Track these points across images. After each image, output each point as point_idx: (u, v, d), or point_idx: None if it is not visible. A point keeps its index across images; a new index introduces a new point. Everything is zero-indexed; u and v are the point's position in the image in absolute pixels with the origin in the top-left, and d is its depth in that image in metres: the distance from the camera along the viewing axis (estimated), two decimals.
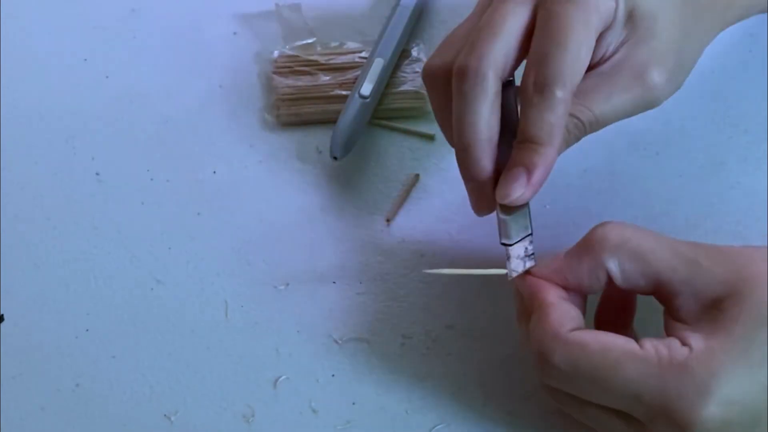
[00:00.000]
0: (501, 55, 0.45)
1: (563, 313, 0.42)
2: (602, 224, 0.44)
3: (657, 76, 0.46)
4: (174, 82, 0.60)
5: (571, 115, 0.46)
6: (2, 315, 0.52)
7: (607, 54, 0.47)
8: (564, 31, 0.44)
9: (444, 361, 0.50)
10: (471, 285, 0.52)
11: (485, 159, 0.46)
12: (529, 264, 0.46)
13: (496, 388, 0.49)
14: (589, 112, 0.46)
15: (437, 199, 0.55)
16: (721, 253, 0.42)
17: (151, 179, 0.56)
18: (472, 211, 0.54)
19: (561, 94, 0.44)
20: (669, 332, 0.42)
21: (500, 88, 0.46)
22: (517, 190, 0.45)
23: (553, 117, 0.44)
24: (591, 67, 0.47)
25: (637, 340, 0.41)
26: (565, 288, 0.44)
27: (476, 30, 0.46)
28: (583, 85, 0.46)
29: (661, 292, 0.43)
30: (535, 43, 0.45)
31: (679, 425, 0.39)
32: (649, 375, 0.40)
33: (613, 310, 0.46)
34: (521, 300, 0.45)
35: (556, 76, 0.44)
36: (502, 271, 0.46)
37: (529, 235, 0.46)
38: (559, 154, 0.46)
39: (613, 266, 0.43)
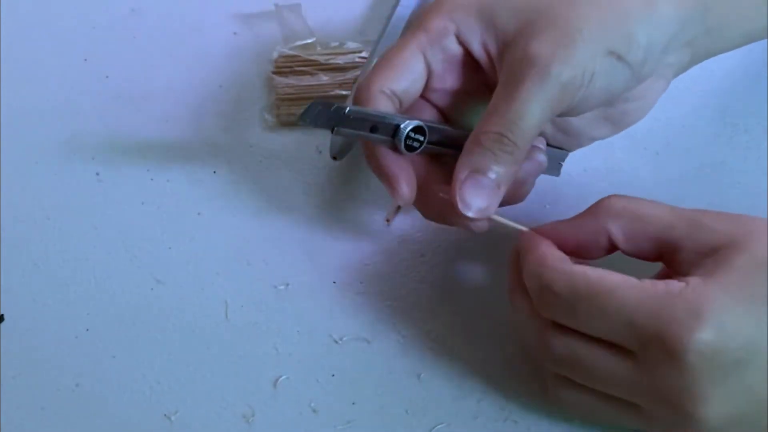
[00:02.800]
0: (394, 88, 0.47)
1: (562, 255, 0.44)
2: (607, 196, 0.45)
3: (562, 73, 0.44)
4: (174, 82, 0.60)
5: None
6: (2, 315, 0.52)
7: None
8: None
9: (444, 361, 0.50)
10: (471, 285, 0.52)
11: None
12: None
13: (496, 388, 0.49)
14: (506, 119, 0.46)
15: None
16: (722, 214, 0.43)
17: (151, 179, 0.56)
18: None
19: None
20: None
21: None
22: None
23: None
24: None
25: None
26: (565, 250, 0.45)
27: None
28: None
29: (665, 253, 0.43)
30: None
31: (670, 350, 0.39)
32: (643, 300, 0.40)
33: None
34: (514, 271, 0.46)
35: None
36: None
37: None
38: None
39: (614, 229, 0.44)
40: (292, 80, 0.59)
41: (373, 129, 0.46)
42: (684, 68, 0.50)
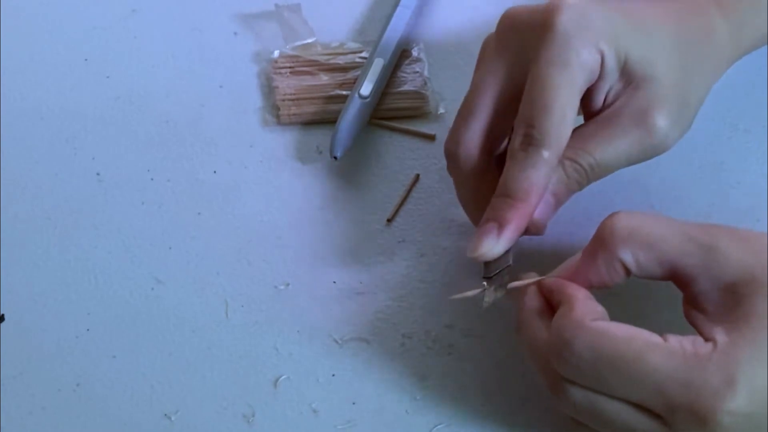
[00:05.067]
0: (476, 134, 0.48)
1: (588, 306, 0.42)
2: (611, 216, 0.44)
3: (659, 120, 0.47)
4: (174, 82, 0.60)
5: (571, 159, 0.47)
6: (2, 315, 0.52)
7: (608, 101, 0.48)
8: (549, 94, 0.45)
9: (444, 361, 0.50)
10: (471, 285, 0.52)
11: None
12: (499, 294, 0.46)
13: (496, 388, 0.49)
14: (590, 156, 0.47)
15: (437, 199, 0.55)
16: (738, 237, 0.42)
17: (152, 179, 0.56)
18: None
19: (546, 154, 0.45)
20: (690, 320, 0.42)
21: (486, 159, 0.49)
22: (486, 245, 0.46)
23: (534, 174, 0.45)
24: (593, 114, 0.48)
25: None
26: (590, 287, 0.44)
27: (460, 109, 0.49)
28: (584, 131, 0.48)
29: (678, 278, 0.42)
30: (522, 106, 0.46)
31: (702, 418, 0.39)
32: (674, 367, 0.39)
33: None
34: (522, 311, 0.45)
35: (542, 138, 0.45)
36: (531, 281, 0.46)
37: (507, 266, 0.47)
38: (558, 206, 0.48)
39: (627, 258, 0.43)
40: (292, 80, 0.59)
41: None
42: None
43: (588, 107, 0.48)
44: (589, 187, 0.55)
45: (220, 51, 0.62)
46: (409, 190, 0.56)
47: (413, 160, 0.57)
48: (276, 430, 0.48)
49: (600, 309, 0.43)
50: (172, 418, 0.48)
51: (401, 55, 0.60)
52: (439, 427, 0.48)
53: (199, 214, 0.55)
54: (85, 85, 0.60)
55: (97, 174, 0.57)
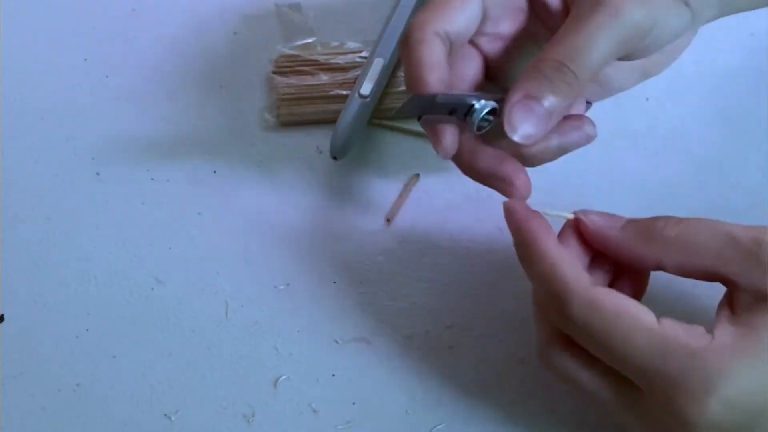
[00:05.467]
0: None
1: (585, 275, 0.42)
2: (663, 218, 0.43)
3: (634, 12, 0.43)
4: (174, 82, 0.60)
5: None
6: (2, 315, 0.52)
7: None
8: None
9: (444, 361, 0.50)
10: (471, 285, 0.52)
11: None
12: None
13: (496, 388, 0.49)
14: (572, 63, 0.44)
15: (437, 199, 0.55)
16: None
17: (152, 179, 0.56)
18: (472, 211, 0.54)
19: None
20: (718, 309, 0.41)
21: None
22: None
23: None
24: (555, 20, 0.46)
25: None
26: (618, 262, 0.43)
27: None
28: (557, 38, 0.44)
29: (722, 281, 0.42)
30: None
31: (676, 411, 0.38)
32: (657, 353, 0.39)
33: (627, 284, 0.45)
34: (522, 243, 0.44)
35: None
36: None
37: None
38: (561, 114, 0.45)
39: (667, 261, 0.42)
40: (292, 80, 0.59)
41: (452, 111, 0.44)
42: (708, 21, 0.48)
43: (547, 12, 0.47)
44: (589, 187, 0.55)
45: (220, 51, 0.62)
46: (409, 190, 0.56)
47: (413, 160, 0.57)
48: (276, 430, 0.48)
49: (586, 276, 0.42)
50: (172, 418, 0.48)
51: None
52: (439, 427, 0.48)
53: (199, 214, 0.55)
54: (85, 85, 0.60)
55: (97, 174, 0.57)
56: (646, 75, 0.50)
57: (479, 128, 0.45)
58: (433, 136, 0.45)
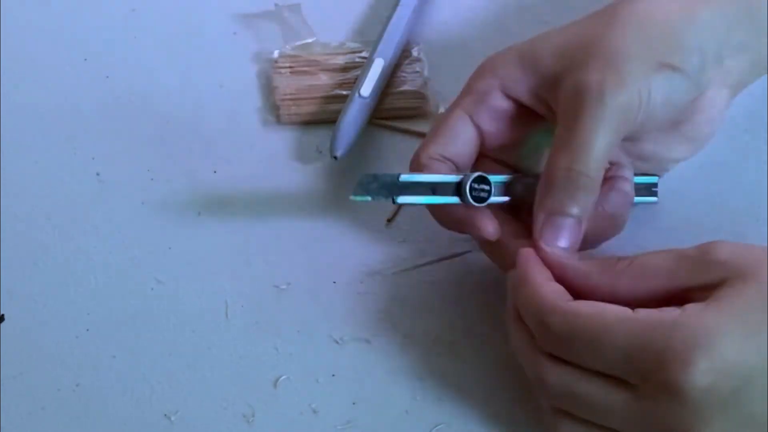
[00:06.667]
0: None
1: (560, 288, 0.43)
2: (618, 256, 0.44)
3: (616, 96, 0.45)
4: (174, 82, 0.60)
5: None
6: (2, 315, 0.52)
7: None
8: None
9: (444, 360, 0.50)
10: (471, 285, 0.52)
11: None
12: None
13: (496, 388, 0.49)
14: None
15: None
16: (730, 244, 0.42)
17: (152, 179, 0.56)
18: None
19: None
20: None
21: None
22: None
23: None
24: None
25: None
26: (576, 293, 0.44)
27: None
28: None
29: (676, 299, 0.42)
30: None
31: (668, 383, 0.38)
32: (638, 333, 0.39)
33: None
34: (514, 297, 0.45)
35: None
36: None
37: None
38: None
39: (622, 288, 0.43)
40: (292, 80, 0.59)
41: (435, 190, 0.46)
42: (746, 76, 0.50)
43: None
44: None
45: (220, 51, 0.62)
46: None
47: None
48: (276, 430, 0.48)
49: (562, 289, 0.43)
50: (172, 418, 0.48)
51: (401, 55, 0.60)
52: (439, 427, 0.48)
53: (199, 214, 0.55)
54: (85, 84, 0.60)
55: (97, 174, 0.57)
56: (693, 142, 0.51)
57: (477, 199, 0.47)
58: (471, 227, 0.48)
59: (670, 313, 0.40)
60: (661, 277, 0.42)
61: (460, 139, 0.49)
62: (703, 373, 0.38)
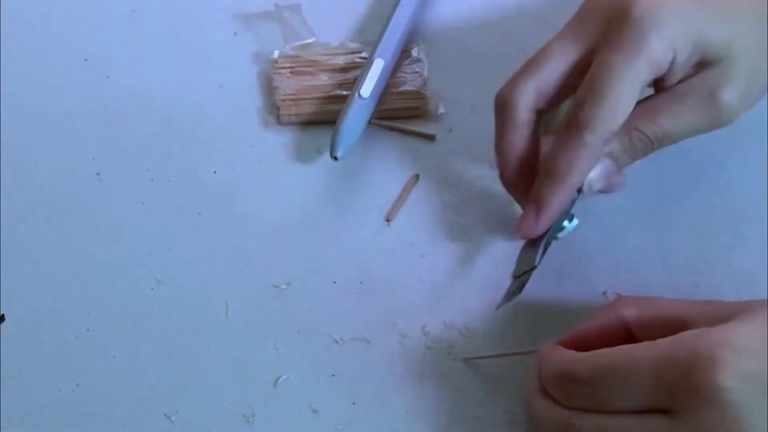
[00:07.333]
0: (532, 89, 0.48)
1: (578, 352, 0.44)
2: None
3: (728, 96, 0.47)
4: (174, 82, 0.60)
5: (638, 130, 0.48)
6: (2, 315, 0.52)
7: (683, 78, 0.48)
8: (606, 82, 0.45)
9: (444, 360, 0.50)
10: (471, 285, 0.52)
11: (514, 182, 0.50)
12: (511, 299, 0.48)
13: (496, 388, 0.49)
14: (657, 128, 0.48)
15: (437, 199, 0.55)
16: (731, 302, 0.44)
17: (152, 179, 0.56)
18: (471, 212, 0.54)
19: (589, 138, 0.46)
20: None
21: (533, 118, 0.48)
22: (526, 225, 0.48)
23: (574, 157, 0.46)
24: (662, 86, 0.48)
25: None
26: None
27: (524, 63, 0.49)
28: (653, 103, 0.48)
29: (682, 326, 0.43)
30: (580, 88, 0.47)
31: (703, 391, 0.38)
32: (663, 352, 0.40)
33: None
34: (531, 380, 0.46)
35: (588, 122, 0.46)
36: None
37: (533, 268, 0.48)
38: (620, 169, 0.49)
39: (629, 314, 0.45)
40: (292, 80, 0.59)
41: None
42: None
43: (657, 84, 0.49)
44: None
45: (220, 51, 0.62)
46: (409, 190, 0.56)
47: (413, 160, 0.57)
48: (276, 430, 0.48)
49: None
50: (172, 418, 0.48)
51: (401, 55, 0.60)
52: (438, 427, 0.48)
53: (199, 214, 0.55)
54: (85, 85, 0.60)
55: (97, 174, 0.57)
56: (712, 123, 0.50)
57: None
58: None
59: (692, 332, 0.40)
60: (670, 311, 0.44)
61: (553, 73, 0.48)
62: (733, 368, 0.38)
